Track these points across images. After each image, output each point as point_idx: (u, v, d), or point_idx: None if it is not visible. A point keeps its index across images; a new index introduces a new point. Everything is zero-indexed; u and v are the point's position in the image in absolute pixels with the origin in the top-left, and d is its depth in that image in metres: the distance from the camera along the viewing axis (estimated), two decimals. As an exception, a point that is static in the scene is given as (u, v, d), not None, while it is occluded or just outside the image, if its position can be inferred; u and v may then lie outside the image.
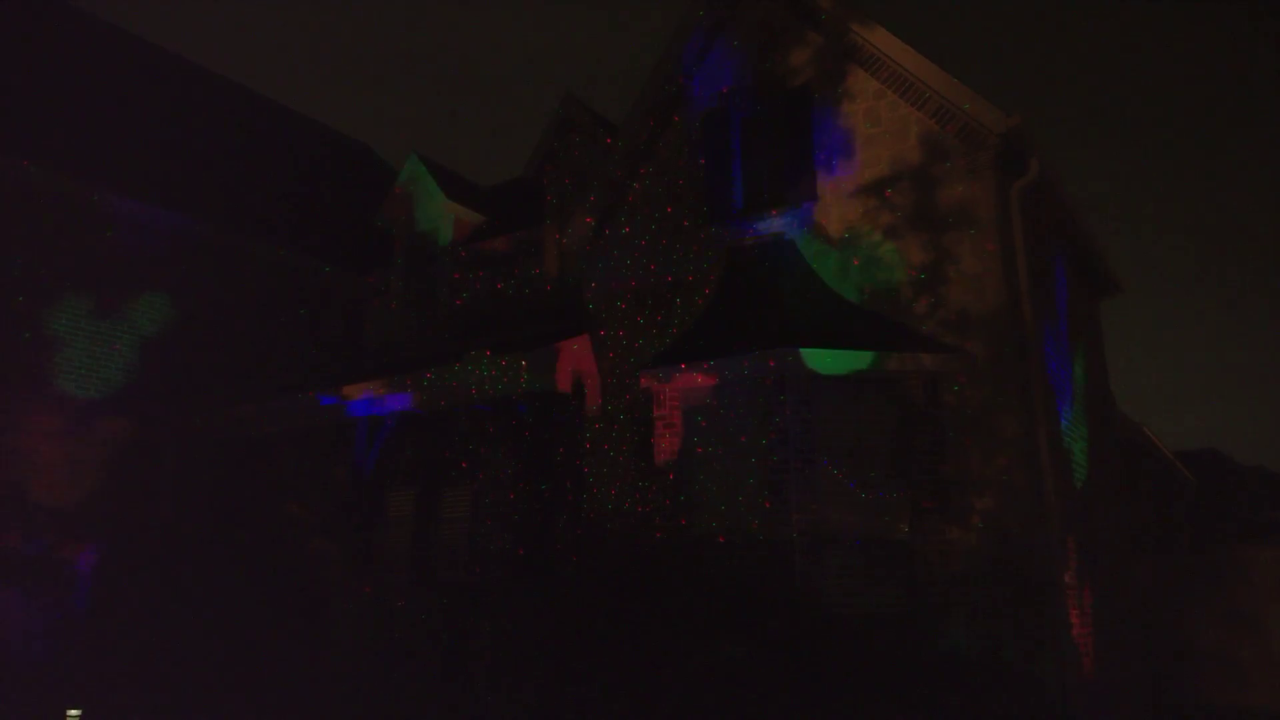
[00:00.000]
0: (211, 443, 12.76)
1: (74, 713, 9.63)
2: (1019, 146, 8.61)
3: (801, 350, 8.28)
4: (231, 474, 12.55)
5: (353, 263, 15.16)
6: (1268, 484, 20.46)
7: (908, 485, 8.28)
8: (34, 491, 11.20)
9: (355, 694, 10.36)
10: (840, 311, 8.88)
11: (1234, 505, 19.32)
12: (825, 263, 9.20)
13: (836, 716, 7.30)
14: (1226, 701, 11.75)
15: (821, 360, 8.30)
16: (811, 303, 8.96)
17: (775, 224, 9.56)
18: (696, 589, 8.35)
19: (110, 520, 11.78)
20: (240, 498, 12.32)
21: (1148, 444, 13.52)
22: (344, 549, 11.26)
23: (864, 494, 8.29)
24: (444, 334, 13.42)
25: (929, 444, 8.34)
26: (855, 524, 8.23)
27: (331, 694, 10.46)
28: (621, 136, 10.52)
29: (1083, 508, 9.97)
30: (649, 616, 7.90)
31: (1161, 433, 13.62)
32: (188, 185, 13.58)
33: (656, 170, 10.44)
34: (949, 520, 8.14)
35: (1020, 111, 8.37)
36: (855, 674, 7.51)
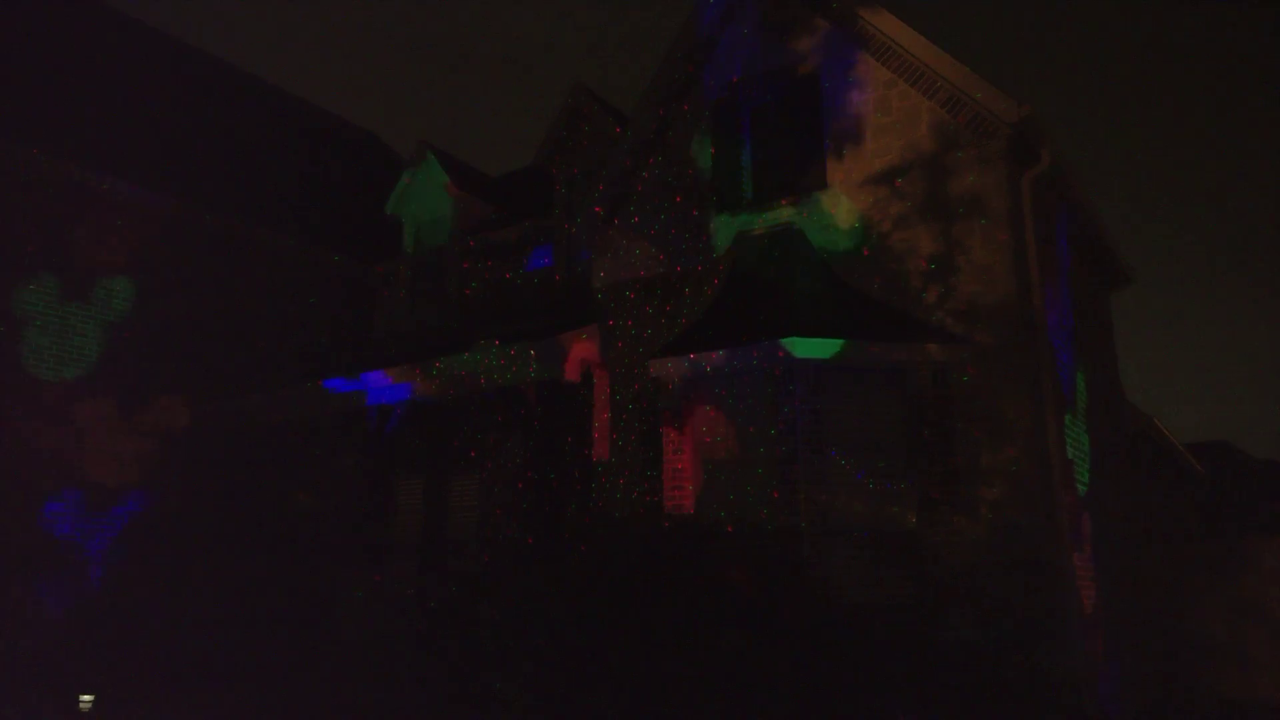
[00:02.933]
0: (221, 432, 12.82)
1: (86, 698, 9.70)
2: (1030, 136, 8.57)
3: (810, 340, 8.26)
4: (241, 463, 12.61)
5: (361, 252, 15.18)
6: (1278, 476, 20.37)
7: (916, 476, 8.27)
8: (47, 480, 11.27)
9: (365, 681, 10.41)
10: (849, 301, 8.86)
11: (1244, 497, 19.24)
12: (835, 252, 9.17)
13: (843, 706, 7.31)
14: (1235, 692, 11.73)
15: (830, 350, 8.29)
16: (821, 293, 8.94)
17: (785, 213, 9.54)
18: (704, 578, 8.35)
19: (121, 509, 11.84)
20: (250, 487, 12.38)
21: (1158, 436, 13.47)
22: (354, 537, 11.31)
23: (872, 484, 8.28)
24: (453, 323, 13.44)
25: (937, 434, 8.32)
26: (863, 514, 8.23)
27: (341, 681, 10.51)
28: (631, 126, 10.51)
29: (1092, 499, 9.95)
30: (657, 605, 7.91)
31: (1172, 425, 13.58)
32: (195, 173, 13.61)
33: (666, 160, 10.42)
34: (957, 511, 8.13)
35: (1032, 101, 8.33)
36: (863, 664, 7.51)
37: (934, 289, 8.60)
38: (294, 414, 12.14)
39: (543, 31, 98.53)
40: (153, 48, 15.89)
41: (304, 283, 14.40)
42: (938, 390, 8.40)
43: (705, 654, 7.56)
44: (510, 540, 9.87)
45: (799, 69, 9.75)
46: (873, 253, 8.97)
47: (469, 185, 14.34)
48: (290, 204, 15.00)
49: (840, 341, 8.29)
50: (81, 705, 9.62)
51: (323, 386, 11.57)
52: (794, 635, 7.65)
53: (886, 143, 9.09)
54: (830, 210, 9.28)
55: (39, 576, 10.93)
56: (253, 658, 10.93)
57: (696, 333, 9.32)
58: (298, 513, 11.82)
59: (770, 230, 9.58)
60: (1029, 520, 7.87)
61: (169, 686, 10.69)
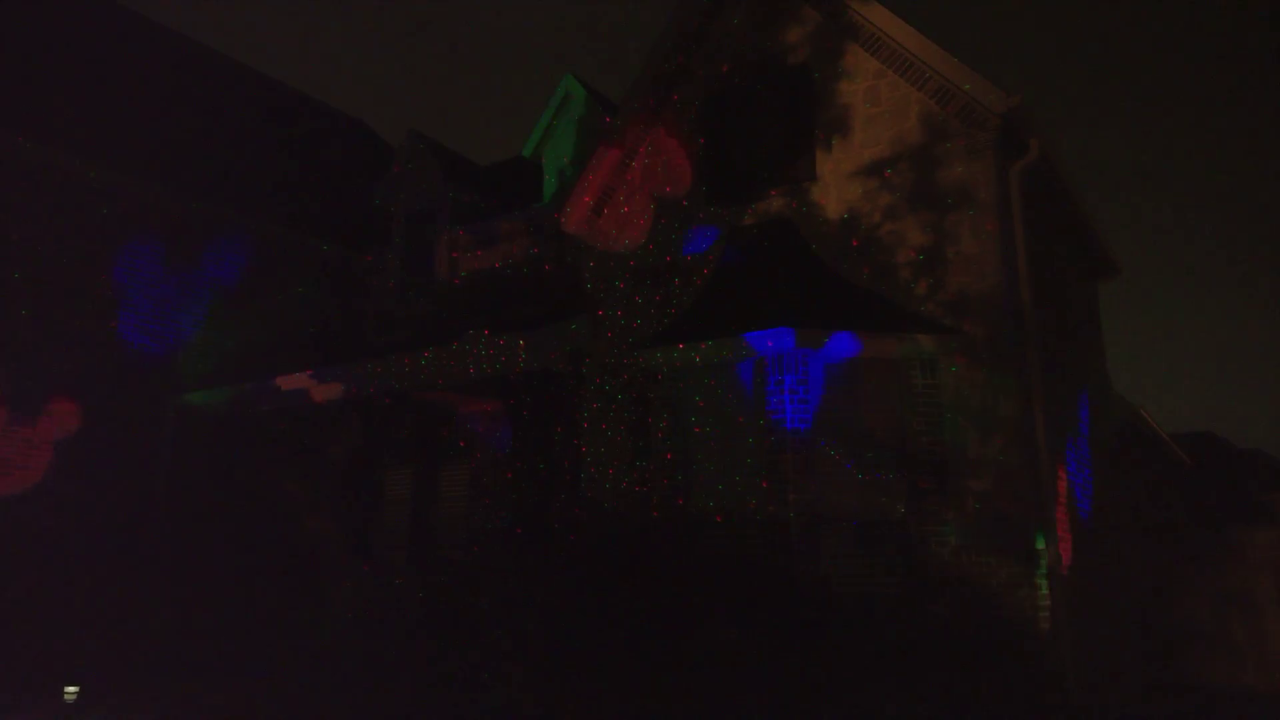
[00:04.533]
0: (208, 421, 12.76)
1: (71, 690, 9.66)
2: (1019, 127, 8.57)
3: (800, 331, 8.27)
4: (229, 452, 12.56)
5: (350, 241, 15.11)
6: (1263, 467, 20.51)
7: (905, 466, 8.30)
8: (32, 467, 11.20)
9: (354, 671, 10.41)
10: (839, 292, 8.86)
11: (1229, 488, 19.37)
12: (824, 243, 9.18)
13: (833, 695, 7.35)
14: (1221, 681, 11.83)
15: (819, 341, 8.30)
16: (810, 283, 8.94)
17: (774, 204, 9.54)
18: (693, 568, 8.38)
19: (108, 498, 11.78)
20: (238, 476, 12.34)
21: (1144, 426, 13.56)
22: (342, 527, 11.30)
23: (861, 474, 8.30)
24: (442, 313, 13.40)
25: (926, 425, 8.34)
26: (853, 504, 8.25)
27: (330, 671, 10.51)
28: (621, 115, 10.47)
29: (1079, 489, 10.00)
30: (647, 595, 7.93)
31: (1158, 415, 13.65)
32: (183, 161, 13.51)
33: (655, 150, 10.40)
34: (946, 501, 8.16)
35: (1021, 92, 8.33)
36: (852, 653, 7.55)
37: (923, 280, 8.61)
38: (281, 403, 12.10)
39: (534, 21, 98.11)
40: (137, 33, 15.75)
41: (291, 271, 14.32)
42: (926, 381, 8.42)
43: (694, 642, 7.59)
44: (499, 530, 9.87)
45: (789, 59, 9.73)
46: (862, 244, 8.97)
47: (458, 174, 14.28)
48: (278, 192, 14.91)
49: (830, 332, 8.30)
50: (66, 697, 9.58)
51: (310, 376, 11.53)
52: (783, 624, 7.68)
53: (876, 134, 9.09)
54: (819, 201, 9.28)
55: (27, 565, 10.87)
56: (240, 648, 10.91)
57: (686, 322, 9.32)
58: (286, 503, 11.79)
59: (760, 221, 9.57)
60: (1017, 510, 7.91)
61: (154, 677, 10.66)
